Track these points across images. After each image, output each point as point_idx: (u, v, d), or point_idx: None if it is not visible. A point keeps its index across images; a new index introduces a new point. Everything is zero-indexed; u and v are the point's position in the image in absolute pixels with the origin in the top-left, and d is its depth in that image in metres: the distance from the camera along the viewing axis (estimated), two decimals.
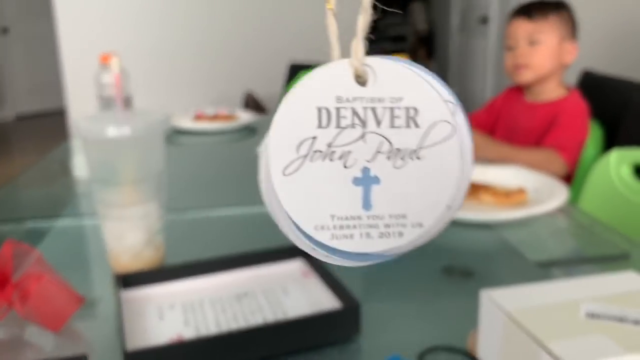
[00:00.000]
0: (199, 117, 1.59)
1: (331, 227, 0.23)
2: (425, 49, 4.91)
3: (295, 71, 2.38)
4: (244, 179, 1.10)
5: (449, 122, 0.22)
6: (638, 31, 3.03)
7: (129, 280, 0.62)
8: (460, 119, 0.23)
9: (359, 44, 0.22)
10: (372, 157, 0.22)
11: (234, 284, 0.64)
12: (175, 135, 1.47)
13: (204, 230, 0.88)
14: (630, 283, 0.50)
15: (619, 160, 1.09)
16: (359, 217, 0.23)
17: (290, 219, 0.22)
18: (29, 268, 0.57)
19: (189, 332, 0.55)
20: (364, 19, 0.22)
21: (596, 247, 0.83)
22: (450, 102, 0.23)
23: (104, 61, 0.98)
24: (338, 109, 0.22)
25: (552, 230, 0.87)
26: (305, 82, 0.22)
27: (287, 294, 0.62)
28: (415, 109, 0.22)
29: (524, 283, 0.49)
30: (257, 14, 2.74)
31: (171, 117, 1.56)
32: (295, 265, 0.67)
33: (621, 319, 0.43)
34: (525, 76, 1.35)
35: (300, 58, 2.63)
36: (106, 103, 1.04)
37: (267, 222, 0.26)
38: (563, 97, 1.34)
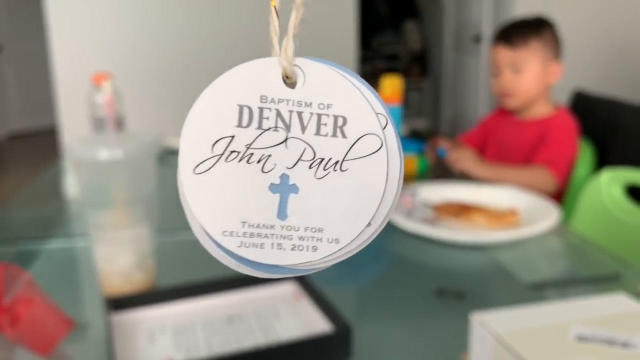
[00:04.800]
0: None
1: (240, 234, 0.21)
2: (418, 68, 4.95)
3: None
4: None
5: (378, 136, 0.21)
6: (628, 48, 3.06)
7: (119, 303, 0.62)
8: (390, 134, 0.22)
9: (289, 42, 0.21)
10: (292, 164, 0.21)
11: (226, 307, 0.64)
12: (167, 155, 1.47)
13: (195, 252, 0.88)
14: (620, 305, 0.50)
15: (610, 180, 1.10)
16: (272, 227, 0.21)
17: (198, 221, 0.21)
18: (19, 291, 0.56)
19: (179, 356, 0.54)
20: (296, 16, 0.21)
21: (588, 267, 0.83)
22: (382, 114, 0.22)
23: (97, 81, 0.98)
24: (261, 109, 0.21)
25: (544, 251, 0.87)
26: (229, 76, 0.21)
27: (279, 317, 0.61)
28: (344, 118, 0.21)
29: (515, 304, 0.50)
30: (251, 33, 2.75)
31: (163, 136, 1.56)
32: (286, 288, 0.67)
33: (610, 342, 0.43)
34: (511, 104, 1.36)
35: None
36: (99, 123, 1.04)
37: None
38: (552, 115, 1.35)
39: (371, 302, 0.72)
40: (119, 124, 1.02)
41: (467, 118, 3.96)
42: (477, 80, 3.84)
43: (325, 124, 0.21)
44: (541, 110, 1.36)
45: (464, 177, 1.31)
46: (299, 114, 0.21)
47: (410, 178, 1.25)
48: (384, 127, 0.22)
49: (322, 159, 0.21)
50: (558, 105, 1.39)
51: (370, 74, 4.48)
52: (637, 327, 0.46)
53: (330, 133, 0.21)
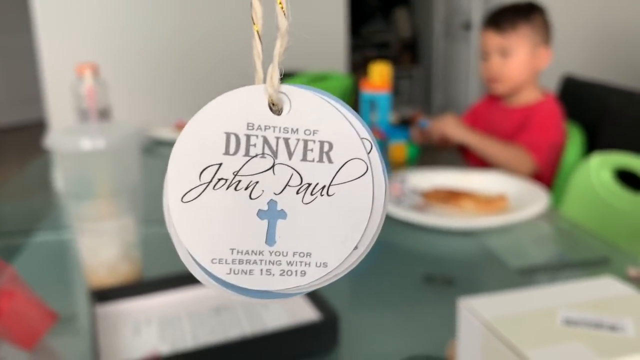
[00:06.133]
0: (179, 127, 1.58)
1: (229, 261, 0.21)
2: (409, 56, 4.93)
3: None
4: None
5: (363, 161, 0.22)
6: (617, 33, 3.06)
7: (104, 295, 0.61)
8: (375, 158, 0.22)
9: (274, 70, 0.21)
10: (280, 190, 0.21)
11: (212, 297, 0.63)
12: (155, 146, 1.46)
13: None
14: (608, 289, 0.49)
15: (599, 164, 1.10)
16: (261, 253, 0.21)
17: (186, 249, 0.21)
18: (1, 285, 0.56)
19: (165, 347, 0.54)
20: (280, 44, 0.21)
21: (577, 252, 0.83)
22: (367, 139, 0.22)
23: (80, 72, 0.97)
24: (248, 136, 0.21)
25: (533, 236, 0.87)
26: (216, 104, 0.21)
27: (266, 307, 0.61)
28: (330, 144, 0.22)
29: (504, 290, 0.49)
30: (241, 21, 2.73)
31: (151, 127, 1.55)
32: None
33: (597, 326, 0.43)
34: (499, 90, 1.35)
35: (284, 66, 2.62)
36: (84, 115, 1.03)
37: None
38: (537, 102, 1.34)
39: (360, 289, 0.72)
40: (104, 114, 1.01)
41: (458, 105, 3.96)
42: (468, 68, 3.83)
43: (311, 150, 0.21)
44: (529, 96, 1.35)
45: (444, 143, 1.32)
46: (286, 140, 0.21)
47: (400, 165, 1.24)
48: (369, 152, 0.22)
49: (309, 184, 0.21)
50: (546, 91, 1.38)
51: (361, 62, 4.46)
52: (624, 310, 0.45)
53: (317, 158, 0.22)
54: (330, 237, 0.22)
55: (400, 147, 1.27)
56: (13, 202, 1.12)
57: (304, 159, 0.21)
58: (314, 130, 0.22)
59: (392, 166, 1.24)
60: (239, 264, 0.21)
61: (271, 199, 0.21)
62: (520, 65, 1.31)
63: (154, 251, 0.77)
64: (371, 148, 0.22)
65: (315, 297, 0.59)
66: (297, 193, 0.21)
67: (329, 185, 0.22)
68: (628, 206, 1.03)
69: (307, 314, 0.59)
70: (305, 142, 0.21)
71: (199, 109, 0.22)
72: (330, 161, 0.22)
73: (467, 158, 1.43)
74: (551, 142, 1.29)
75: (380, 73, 1.28)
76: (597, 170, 1.09)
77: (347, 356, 0.56)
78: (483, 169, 1.19)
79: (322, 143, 0.22)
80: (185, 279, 0.64)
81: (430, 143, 1.37)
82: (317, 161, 0.21)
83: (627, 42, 3.06)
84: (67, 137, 0.62)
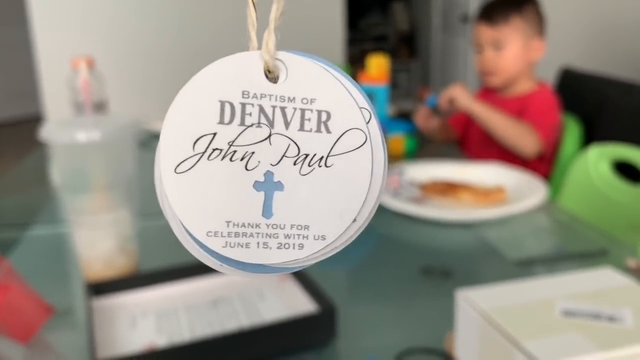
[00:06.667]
0: None
1: (225, 234, 0.21)
2: (407, 49, 4.92)
3: None
4: None
5: (362, 131, 0.21)
6: (616, 25, 3.05)
7: (100, 288, 0.60)
8: (374, 128, 0.21)
9: (270, 35, 0.20)
10: (277, 161, 0.21)
11: (209, 290, 0.63)
12: (151, 139, 1.45)
13: None
14: (606, 280, 0.49)
15: (598, 156, 1.09)
16: (258, 225, 0.21)
17: (181, 222, 0.20)
18: None
19: (161, 340, 0.54)
20: (277, 8, 0.21)
21: (575, 244, 0.83)
22: (366, 109, 0.21)
23: (76, 65, 0.96)
24: (243, 105, 0.20)
25: (531, 228, 0.86)
26: (209, 71, 0.20)
27: (263, 299, 0.61)
28: (328, 113, 0.21)
29: (502, 282, 0.49)
30: (237, 14, 2.72)
31: (147, 120, 1.54)
32: None
33: (596, 316, 0.43)
34: (493, 82, 1.35)
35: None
36: (80, 108, 1.02)
37: None
38: (533, 91, 1.34)
39: (358, 281, 0.72)
40: (100, 107, 1.00)
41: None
42: (465, 61, 3.82)
43: (309, 119, 0.21)
44: (523, 86, 1.35)
45: (446, 128, 1.32)
46: (282, 109, 0.21)
47: (398, 158, 1.24)
48: (368, 121, 0.21)
49: (307, 155, 0.21)
50: (542, 82, 1.38)
51: (358, 55, 4.45)
52: (622, 300, 0.45)
53: (315, 128, 0.21)
54: (328, 209, 0.21)
55: (398, 140, 1.26)
56: (9, 196, 1.12)
57: (302, 128, 0.21)
58: (311, 99, 0.21)
59: (390, 159, 1.23)
60: (235, 237, 0.21)
61: (268, 170, 0.21)
62: (514, 58, 1.31)
63: (150, 244, 0.77)
64: (370, 117, 0.21)
65: (312, 289, 0.59)
66: (295, 164, 0.21)
67: (327, 156, 0.21)
68: (626, 198, 1.03)
69: (305, 306, 0.58)
70: (303, 111, 0.21)
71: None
72: (328, 131, 0.21)
73: (465, 151, 1.43)
74: (551, 124, 1.29)
75: (378, 65, 1.28)
76: (595, 162, 1.09)
77: (344, 348, 0.55)
78: (481, 161, 1.19)
79: (319, 112, 0.21)
80: (182, 272, 0.64)
81: (432, 131, 1.37)
82: (315, 131, 0.21)
83: (626, 34, 3.05)
84: (62, 129, 0.61)
